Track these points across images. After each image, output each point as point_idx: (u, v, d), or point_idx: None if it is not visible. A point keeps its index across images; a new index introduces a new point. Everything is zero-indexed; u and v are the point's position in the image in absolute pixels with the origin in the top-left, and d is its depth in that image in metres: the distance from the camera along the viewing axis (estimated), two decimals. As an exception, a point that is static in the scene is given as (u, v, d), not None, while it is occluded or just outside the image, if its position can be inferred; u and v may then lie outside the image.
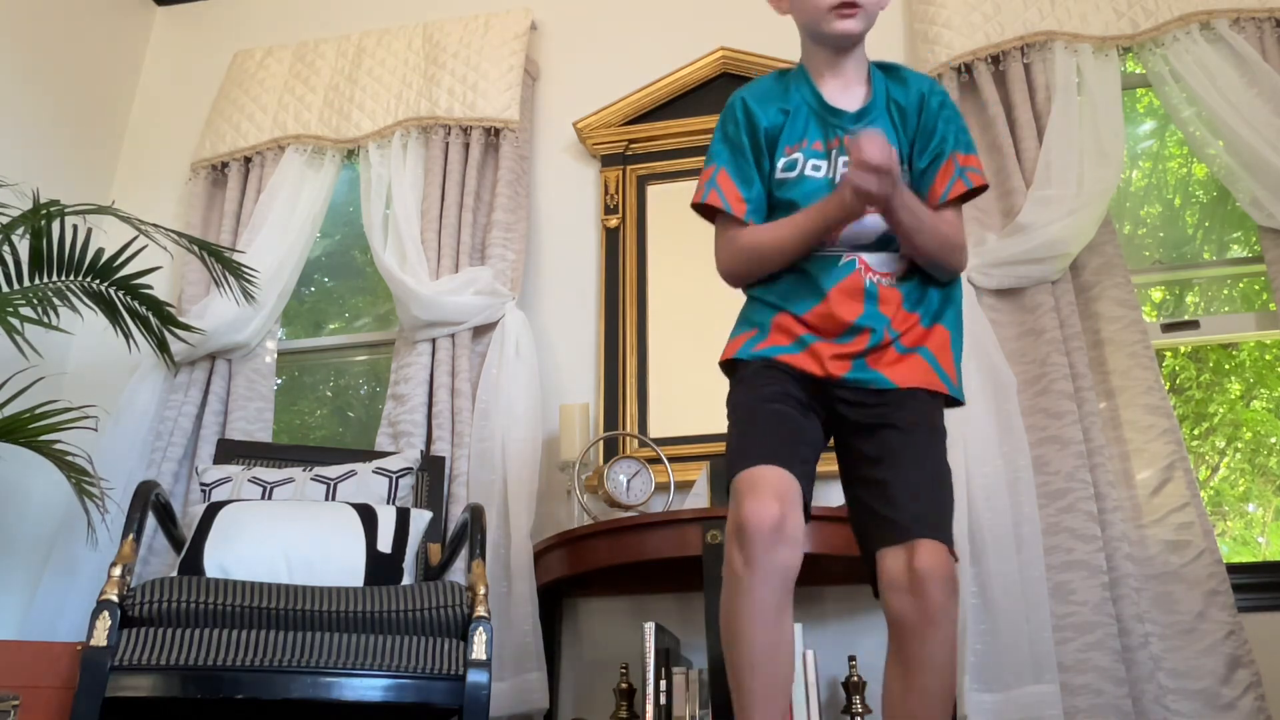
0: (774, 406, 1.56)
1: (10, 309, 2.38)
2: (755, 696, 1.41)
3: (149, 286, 2.76)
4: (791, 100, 1.68)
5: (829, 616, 2.59)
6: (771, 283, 1.67)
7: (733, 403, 1.64)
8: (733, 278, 1.69)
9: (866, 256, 1.62)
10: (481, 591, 2.08)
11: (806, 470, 1.54)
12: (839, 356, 1.59)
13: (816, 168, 1.64)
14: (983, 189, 1.66)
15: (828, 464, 1.79)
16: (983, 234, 2.74)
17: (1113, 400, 2.57)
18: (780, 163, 1.65)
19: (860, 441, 1.59)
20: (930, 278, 1.66)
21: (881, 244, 1.63)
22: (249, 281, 2.94)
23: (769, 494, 1.42)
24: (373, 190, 3.20)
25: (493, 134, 3.22)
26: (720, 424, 2.80)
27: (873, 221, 1.60)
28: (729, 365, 1.71)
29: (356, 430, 3.43)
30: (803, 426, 1.56)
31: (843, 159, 1.63)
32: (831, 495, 2.47)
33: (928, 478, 1.53)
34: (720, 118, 1.71)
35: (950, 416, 2.53)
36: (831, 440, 1.68)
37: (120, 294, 2.74)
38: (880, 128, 1.65)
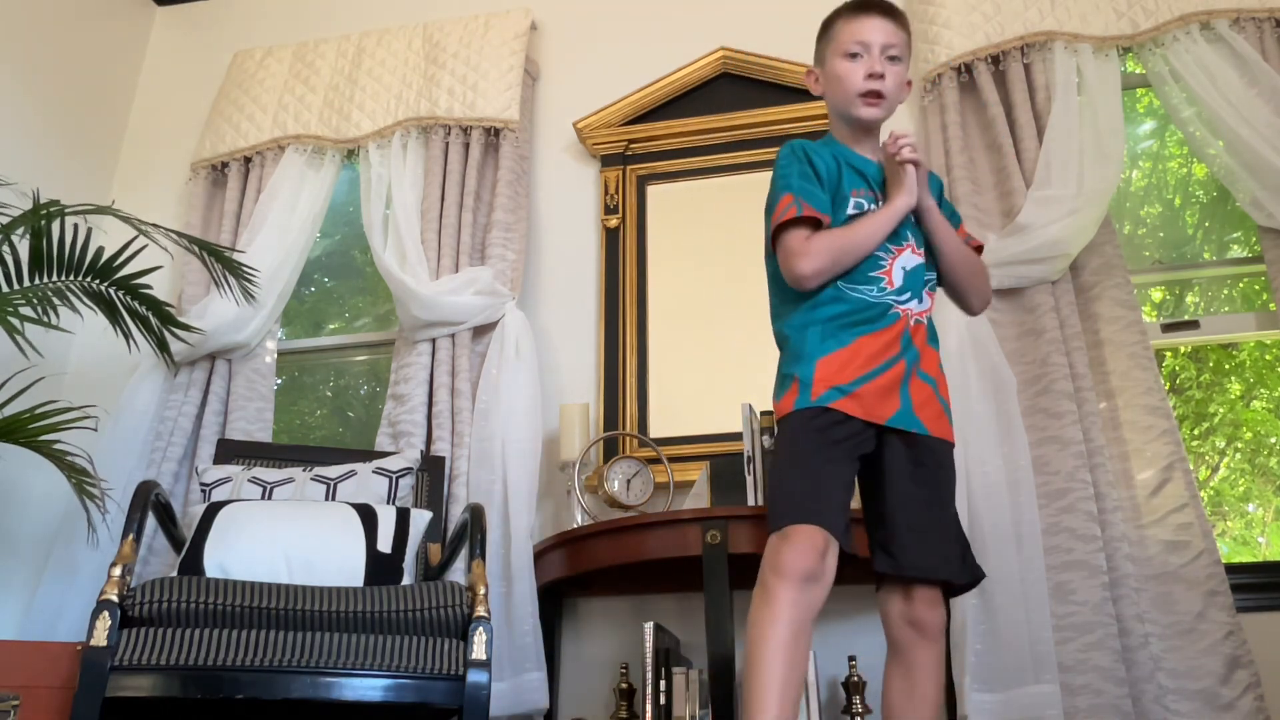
0: (833, 459, 1.69)
1: (10, 309, 2.38)
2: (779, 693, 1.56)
3: (149, 286, 2.76)
4: (839, 154, 1.91)
5: (829, 616, 2.58)
6: (810, 324, 1.80)
7: (793, 443, 1.72)
8: (820, 274, 1.79)
9: (909, 306, 1.81)
10: (481, 591, 2.08)
11: (844, 505, 1.69)
12: (882, 392, 1.73)
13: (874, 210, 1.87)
14: (980, 249, 2.00)
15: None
16: (983, 234, 2.73)
17: (1112, 401, 2.56)
18: (850, 203, 1.84)
19: (890, 470, 1.77)
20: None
21: (918, 287, 1.85)
22: (249, 281, 2.94)
23: (805, 549, 1.61)
24: (373, 190, 3.20)
25: (493, 134, 3.22)
26: (720, 424, 2.83)
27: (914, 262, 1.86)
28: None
29: (356, 430, 3.43)
30: (845, 470, 1.71)
31: None
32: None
33: (946, 523, 1.77)
34: (781, 159, 1.89)
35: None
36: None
37: (120, 294, 2.74)
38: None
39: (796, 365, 1.77)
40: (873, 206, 1.85)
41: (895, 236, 1.83)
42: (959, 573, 1.76)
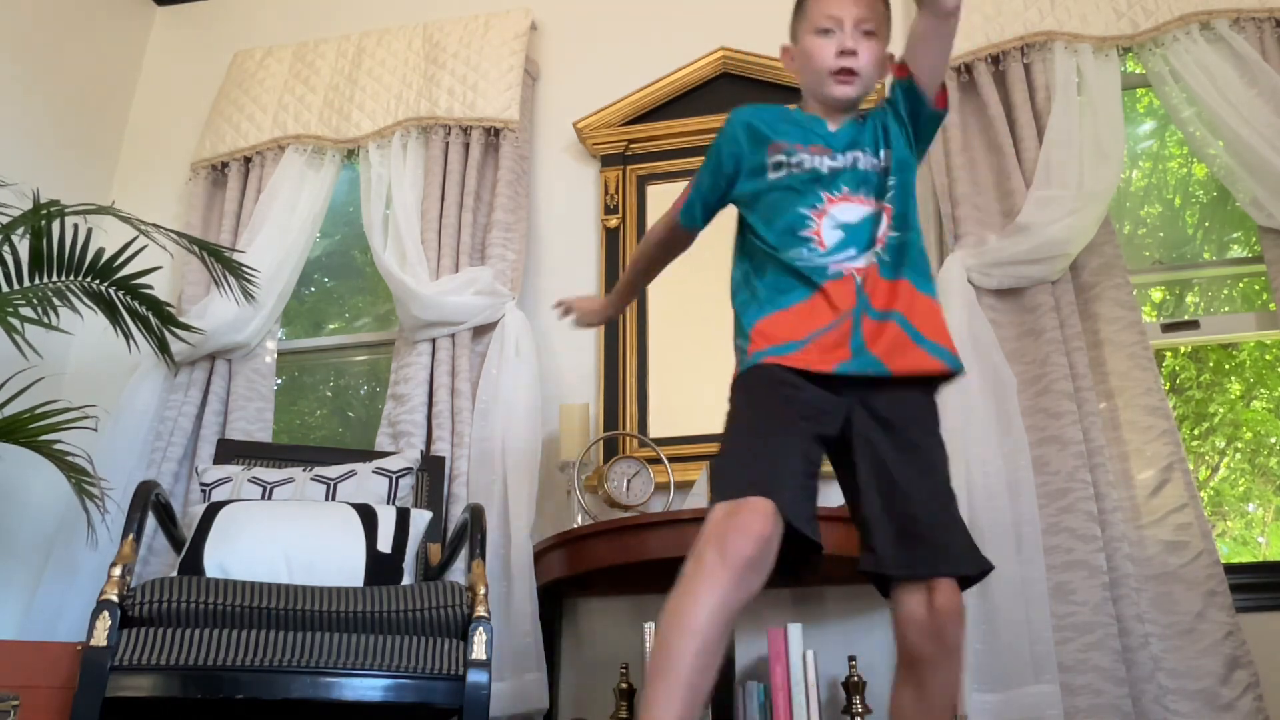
0: (784, 423, 1.53)
1: (10, 309, 2.38)
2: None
3: (149, 286, 2.76)
4: (783, 116, 1.83)
5: (829, 616, 2.59)
6: (751, 295, 1.71)
7: (738, 406, 1.62)
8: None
9: (854, 264, 1.64)
10: (481, 591, 2.08)
11: (805, 486, 1.52)
12: (827, 347, 1.57)
13: (799, 164, 1.73)
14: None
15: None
16: (983, 234, 2.74)
17: (1112, 401, 2.57)
18: (769, 163, 1.74)
19: (865, 446, 1.59)
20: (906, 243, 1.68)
21: (864, 241, 1.67)
22: (249, 281, 2.94)
23: (754, 532, 1.40)
24: (373, 190, 3.20)
25: (493, 134, 3.22)
26: (720, 424, 2.82)
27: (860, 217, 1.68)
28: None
29: (356, 430, 3.43)
30: (800, 442, 1.54)
31: (824, 159, 1.72)
32: (832, 496, 2.46)
33: (940, 501, 1.58)
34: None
35: (951, 416, 2.54)
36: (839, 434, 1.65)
37: (120, 294, 2.74)
38: (854, 133, 1.77)
39: (741, 335, 1.68)
40: (807, 158, 1.72)
41: (830, 185, 1.69)
42: (964, 562, 1.57)
